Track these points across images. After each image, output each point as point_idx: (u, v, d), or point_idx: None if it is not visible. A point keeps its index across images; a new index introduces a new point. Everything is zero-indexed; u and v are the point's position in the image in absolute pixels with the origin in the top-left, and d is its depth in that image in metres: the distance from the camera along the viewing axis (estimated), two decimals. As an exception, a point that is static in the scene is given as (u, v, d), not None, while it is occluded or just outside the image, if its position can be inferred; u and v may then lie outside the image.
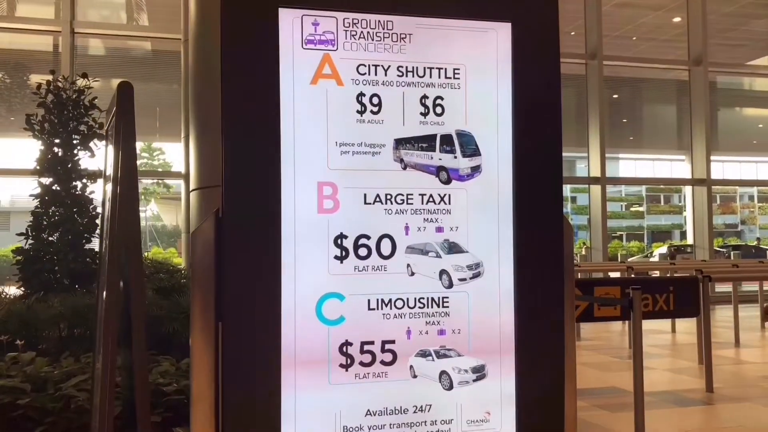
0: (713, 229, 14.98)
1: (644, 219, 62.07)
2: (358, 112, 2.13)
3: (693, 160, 14.66)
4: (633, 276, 9.51)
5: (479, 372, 2.21)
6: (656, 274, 11.36)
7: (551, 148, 2.29)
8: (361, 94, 2.14)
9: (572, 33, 14.77)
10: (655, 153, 27.65)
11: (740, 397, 5.42)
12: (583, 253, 17.20)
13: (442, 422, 2.17)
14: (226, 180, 2.02)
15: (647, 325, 9.01)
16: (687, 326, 8.42)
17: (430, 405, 2.16)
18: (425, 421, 2.15)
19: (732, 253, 22.10)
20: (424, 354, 2.16)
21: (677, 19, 15.39)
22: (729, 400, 5.32)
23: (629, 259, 26.03)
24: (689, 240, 15.73)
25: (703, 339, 6.05)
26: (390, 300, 2.14)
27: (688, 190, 15.04)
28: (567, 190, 27.51)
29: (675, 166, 15.30)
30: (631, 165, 29.59)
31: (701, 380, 5.73)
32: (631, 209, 63.97)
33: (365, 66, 2.14)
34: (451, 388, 2.17)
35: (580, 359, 7.41)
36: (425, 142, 2.18)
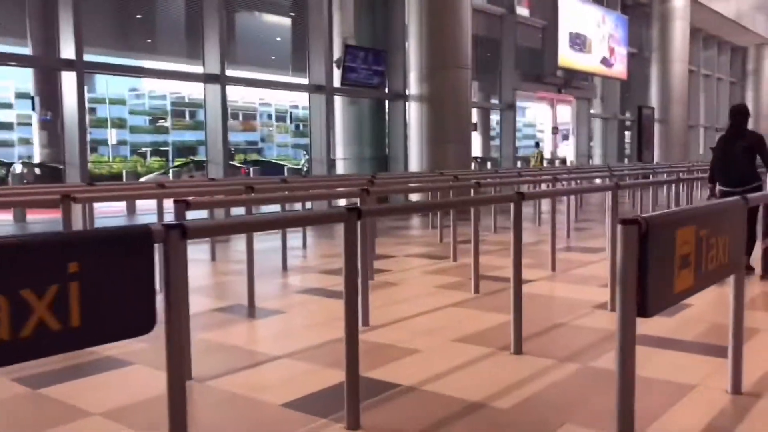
0: (229, 145, 12.35)
1: (169, 134, 59.22)
2: None
3: (205, 59, 11.58)
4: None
5: None
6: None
7: None
8: None
9: None
10: (175, 60, 24.24)
11: None
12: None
13: None
14: None
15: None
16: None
17: None
18: None
19: (252, 169, 20.46)
20: None
21: None
22: None
23: (145, 178, 22.52)
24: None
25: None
26: None
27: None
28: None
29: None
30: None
31: None
32: (157, 124, 60.36)
33: None
34: None
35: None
36: None
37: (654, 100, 24.25)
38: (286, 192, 7.29)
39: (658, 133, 24.25)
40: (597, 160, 23.88)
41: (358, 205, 4.81)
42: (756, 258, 6.40)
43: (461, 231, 7.90)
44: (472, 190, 7.81)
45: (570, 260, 7.51)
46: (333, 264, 7.35)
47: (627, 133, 25.56)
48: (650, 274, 2.22)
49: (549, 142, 22.32)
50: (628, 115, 24.81)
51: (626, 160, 24.81)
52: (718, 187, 6.47)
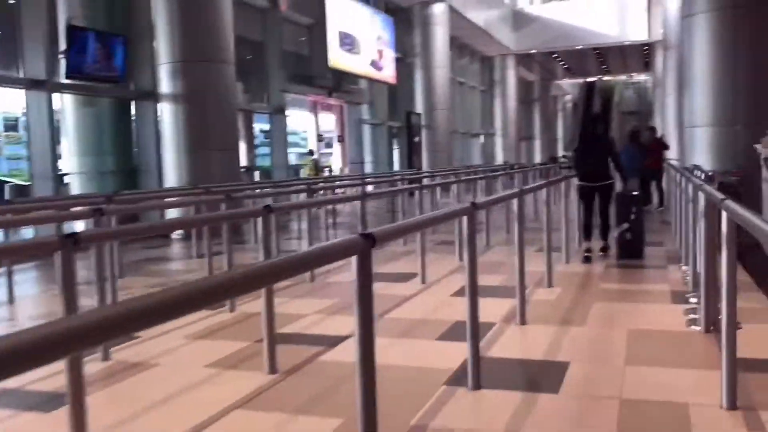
0: None
1: None
2: None
3: None
4: None
5: None
6: None
7: None
8: None
9: None
10: None
11: None
12: None
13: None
14: None
15: None
16: None
17: None
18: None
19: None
20: None
21: None
22: None
23: None
24: None
25: None
26: None
27: None
28: None
29: None
30: None
31: None
32: None
33: None
34: None
35: None
36: None
37: (420, 106, 24.12)
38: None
39: (425, 140, 24.16)
40: (368, 167, 23.04)
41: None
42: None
43: (238, 257, 5.89)
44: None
45: (382, 295, 5.87)
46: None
47: (394, 140, 25.16)
48: None
49: (315, 151, 20.94)
50: (396, 123, 24.38)
51: (397, 167, 24.38)
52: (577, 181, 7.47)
